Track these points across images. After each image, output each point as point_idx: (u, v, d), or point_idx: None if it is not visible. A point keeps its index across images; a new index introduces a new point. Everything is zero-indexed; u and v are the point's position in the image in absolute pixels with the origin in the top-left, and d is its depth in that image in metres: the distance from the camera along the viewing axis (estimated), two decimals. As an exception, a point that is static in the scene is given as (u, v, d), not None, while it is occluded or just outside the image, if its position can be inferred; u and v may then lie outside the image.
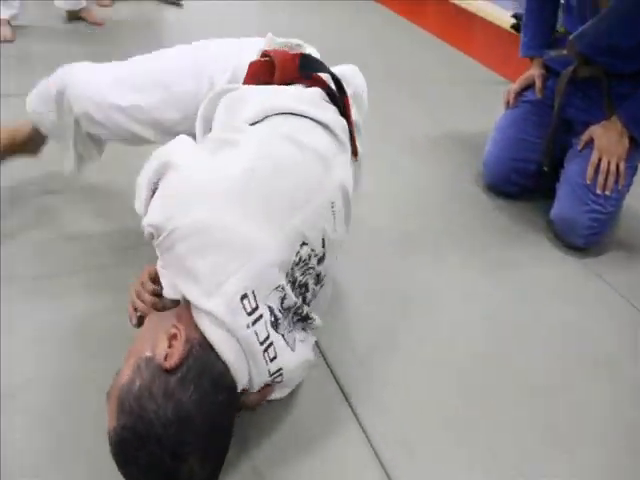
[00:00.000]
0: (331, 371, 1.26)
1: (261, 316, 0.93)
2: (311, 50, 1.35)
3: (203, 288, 0.90)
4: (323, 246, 1.06)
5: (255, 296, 0.92)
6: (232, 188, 0.94)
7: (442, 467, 1.10)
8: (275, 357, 0.97)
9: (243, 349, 0.92)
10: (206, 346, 0.90)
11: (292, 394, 1.15)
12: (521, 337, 1.44)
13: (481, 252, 1.74)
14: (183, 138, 1.07)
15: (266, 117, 1.10)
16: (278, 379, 1.01)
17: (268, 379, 0.99)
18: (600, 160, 1.75)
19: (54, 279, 1.39)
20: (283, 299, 0.99)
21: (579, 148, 1.82)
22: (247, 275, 0.91)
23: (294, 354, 1.02)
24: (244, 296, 0.91)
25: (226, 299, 0.90)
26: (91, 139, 1.48)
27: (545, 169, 1.93)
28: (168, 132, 1.27)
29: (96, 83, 1.36)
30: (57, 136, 1.50)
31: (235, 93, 1.18)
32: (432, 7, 4.59)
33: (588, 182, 1.75)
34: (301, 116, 1.11)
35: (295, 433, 1.12)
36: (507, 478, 1.10)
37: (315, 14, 3.68)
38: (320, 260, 1.07)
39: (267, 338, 0.95)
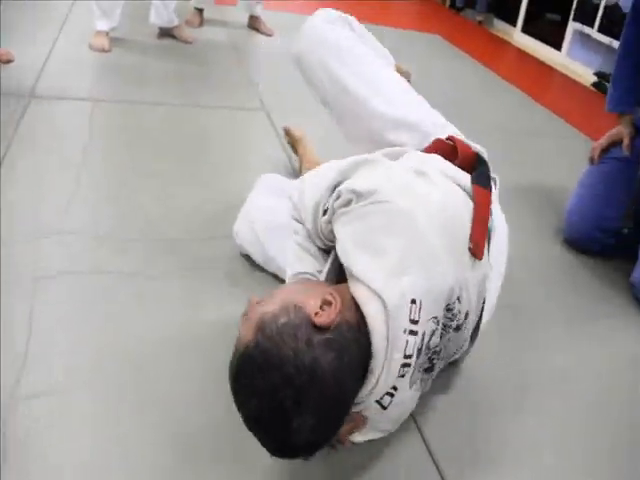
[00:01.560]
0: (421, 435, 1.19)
1: (416, 333, 0.91)
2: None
3: (384, 267, 0.90)
4: (466, 318, 1.06)
5: (420, 309, 0.90)
6: (431, 207, 0.97)
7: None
8: (403, 376, 0.94)
9: (387, 348, 0.90)
10: (356, 331, 0.89)
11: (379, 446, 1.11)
12: (601, 406, 1.37)
13: (559, 308, 1.67)
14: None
15: None
16: (385, 400, 0.96)
17: (384, 392, 0.95)
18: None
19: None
20: (432, 334, 0.96)
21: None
22: (424, 284, 0.91)
23: (409, 392, 0.99)
24: (413, 301, 0.90)
25: (400, 291, 0.89)
26: None
27: (625, 231, 1.87)
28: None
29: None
30: None
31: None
32: (512, 56, 4.61)
33: (674, 247, 1.69)
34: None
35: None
36: None
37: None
38: (457, 329, 1.05)
39: (410, 357, 0.92)
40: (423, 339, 0.94)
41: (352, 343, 0.88)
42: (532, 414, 1.29)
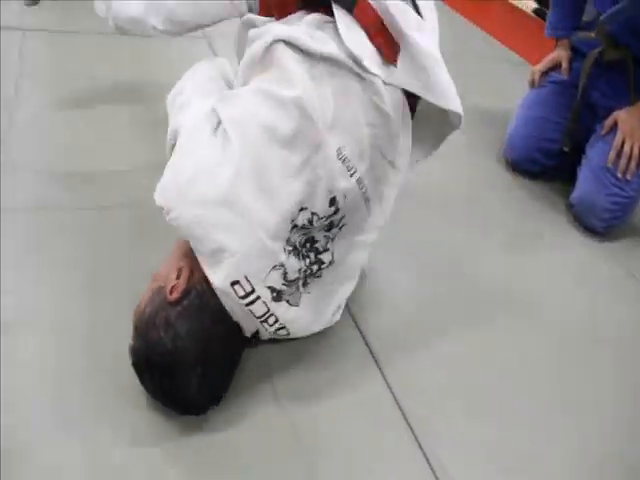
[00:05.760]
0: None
1: (258, 297, 0.95)
2: None
3: (204, 261, 0.93)
4: (331, 205, 1.01)
5: (249, 281, 0.93)
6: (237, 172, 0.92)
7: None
8: (276, 321, 1.00)
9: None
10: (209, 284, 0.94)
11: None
12: (538, 321, 1.43)
13: (500, 228, 1.72)
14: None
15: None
16: (282, 332, 1.04)
17: (270, 335, 1.06)
18: (623, 144, 1.75)
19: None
20: (285, 274, 0.98)
21: (603, 132, 1.81)
22: (241, 261, 0.91)
23: (300, 309, 1.04)
24: (235, 282, 0.92)
25: (221, 277, 0.92)
26: None
27: (565, 149, 1.92)
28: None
29: None
30: None
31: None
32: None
33: (610, 165, 1.74)
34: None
35: (319, 370, 1.15)
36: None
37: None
38: (330, 220, 1.03)
39: (265, 313, 0.98)
40: (274, 290, 0.98)
41: (209, 296, 0.95)
42: (483, 328, 1.36)
